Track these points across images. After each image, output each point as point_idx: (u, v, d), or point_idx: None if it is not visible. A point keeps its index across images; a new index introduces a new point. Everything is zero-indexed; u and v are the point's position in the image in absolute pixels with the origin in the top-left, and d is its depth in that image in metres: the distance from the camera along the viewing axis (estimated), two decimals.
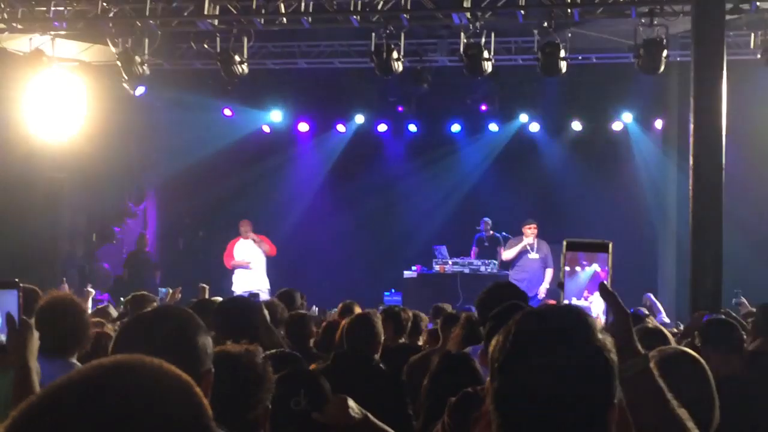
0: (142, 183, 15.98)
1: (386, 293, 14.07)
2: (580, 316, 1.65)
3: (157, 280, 14.53)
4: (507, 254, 13.40)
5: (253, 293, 11.24)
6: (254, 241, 13.64)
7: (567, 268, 1.98)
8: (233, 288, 13.30)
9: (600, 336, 1.60)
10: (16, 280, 2.51)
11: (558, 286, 1.99)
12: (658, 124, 15.27)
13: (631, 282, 13.65)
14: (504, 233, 14.41)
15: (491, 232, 14.26)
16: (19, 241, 12.37)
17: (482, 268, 13.80)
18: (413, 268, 14.24)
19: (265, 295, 11.46)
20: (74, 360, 3.87)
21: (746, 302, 9.16)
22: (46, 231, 13.19)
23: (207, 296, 10.07)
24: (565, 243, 1.97)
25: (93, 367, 1.12)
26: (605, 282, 1.91)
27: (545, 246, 13.37)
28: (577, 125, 15.61)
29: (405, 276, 14.25)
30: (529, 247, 13.33)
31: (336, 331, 6.43)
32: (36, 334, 2.53)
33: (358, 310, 7.12)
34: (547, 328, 1.60)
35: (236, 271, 13.72)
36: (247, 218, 14.28)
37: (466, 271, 13.82)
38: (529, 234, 13.31)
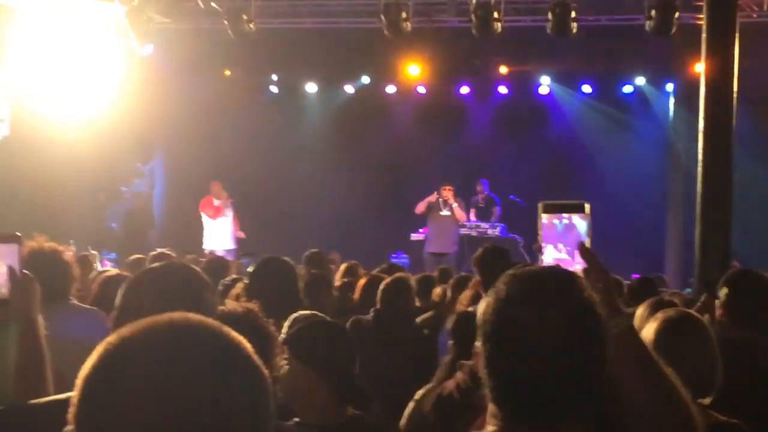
0: (149, 142, 15.95)
1: (393, 255, 14.09)
2: (569, 275, 1.66)
3: (152, 237, 14.61)
4: (417, 208, 13.49)
5: (218, 255, 11.43)
6: (227, 208, 14.19)
7: (545, 227, 1.95)
8: (204, 246, 13.51)
9: (590, 294, 1.60)
10: (18, 233, 2.52)
11: (535, 249, 1.96)
12: (669, 86, 15.17)
13: (639, 247, 13.72)
14: (512, 196, 14.38)
15: (486, 193, 14.25)
16: (28, 200, 12.41)
17: (489, 231, 13.78)
18: (420, 230, 14.24)
19: (230, 256, 11.90)
20: (73, 300, 3.97)
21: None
22: (54, 191, 13.20)
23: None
24: (540, 205, 1.94)
25: (167, 320, 1.13)
26: (584, 241, 1.89)
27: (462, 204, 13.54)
28: (587, 87, 15.54)
29: (412, 238, 14.26)
30: (441, 204, 13.36)
31: (347, 290, 6.49)
32: (38, 287, 2.54)
33: (361, 270, 7.14)
34: (538, 288, 1.59)
35: (207, 229, 14.10)
36: (254, 178, 14.33)
37: (474, 233, 13.81)
38: (445, 195, 13.36)
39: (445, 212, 13.31)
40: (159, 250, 7.74)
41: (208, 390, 1.06)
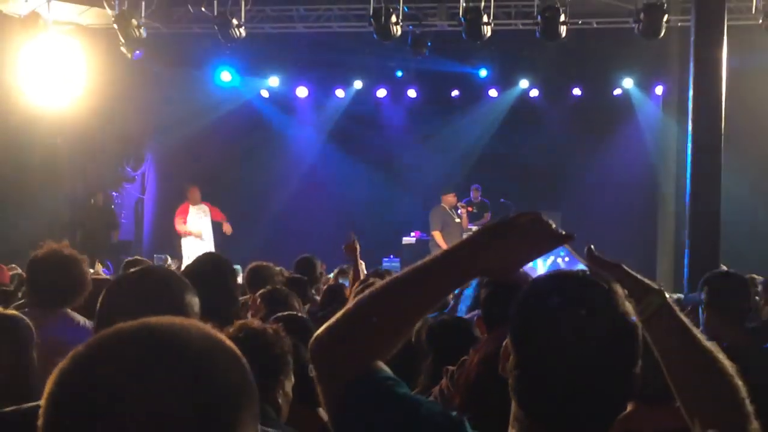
0: (140, 147, 15.90)
1: (385, 259, 14.06)
2: (608, 282, 1.61)
3: (113, 239, 14.22)
4: (433, 231, 13.44)
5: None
6: (203, 211, 13.50)
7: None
8: (183, 255, 13.02)
9: (624, 302, 1.58)
10: None
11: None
12: (659, 89, 15.21)
13: (630, 248, 13.73)
14: (504, 200, 14.38)
15: (479, 198, 14.27)
16: (17, 206, 12.36)
17: None
18: (412, 233, 14.23)
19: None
20: (70, 311, 3.90)
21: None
22: (44, 196, 13.16)
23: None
24: None
25: (142, 324, 1.08)
26: (591, 247, 1.87)
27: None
28: (577, 91, 15.56)
29: (404, 242, 14.24)
30: (454, 212, 13.40)
31: (337, 294, 6.48)
32: None
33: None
34: (580, 294, 1.56)
35: (185, 240, 13.41)
36: (245, 183, 14.17)
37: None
38: (454, 201, 13.42)
39: (457, 219, 13.36)
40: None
41: (181, 397, 1.01)
